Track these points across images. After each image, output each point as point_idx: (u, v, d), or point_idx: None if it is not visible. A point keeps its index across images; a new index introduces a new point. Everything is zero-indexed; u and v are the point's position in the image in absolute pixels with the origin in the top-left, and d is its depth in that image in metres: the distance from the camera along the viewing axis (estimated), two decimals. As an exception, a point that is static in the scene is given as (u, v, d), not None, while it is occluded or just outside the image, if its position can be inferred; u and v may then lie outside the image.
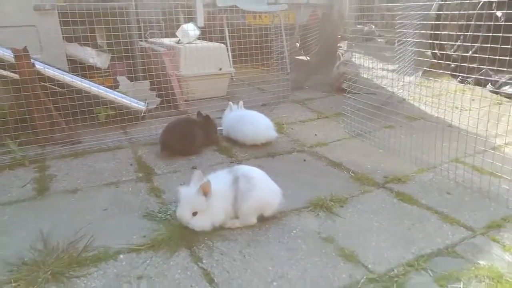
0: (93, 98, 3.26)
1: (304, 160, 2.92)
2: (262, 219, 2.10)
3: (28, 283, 1.65)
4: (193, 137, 2.98)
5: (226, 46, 4.68)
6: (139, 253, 1.86)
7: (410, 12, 3.85)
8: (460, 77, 4.60)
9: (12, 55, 2.98)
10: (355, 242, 1.95)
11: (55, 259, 1.77)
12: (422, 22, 3.84)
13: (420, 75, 4.55)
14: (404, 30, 3.76)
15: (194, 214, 1.96)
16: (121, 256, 1.84)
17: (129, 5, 3.73)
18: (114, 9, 3.38)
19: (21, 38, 3.17)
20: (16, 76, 3.05)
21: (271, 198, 2.09)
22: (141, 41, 4.10)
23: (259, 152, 3.06)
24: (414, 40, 3.93)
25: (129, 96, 3.47)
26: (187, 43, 4.49)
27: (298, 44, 6.70)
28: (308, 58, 6.19)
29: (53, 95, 3.20)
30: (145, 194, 2.42)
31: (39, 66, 3.09)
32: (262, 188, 2.04)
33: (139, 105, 3.48)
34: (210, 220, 1.98)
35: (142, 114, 3.48)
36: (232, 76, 4.88)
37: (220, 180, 2.04)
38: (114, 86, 3.63)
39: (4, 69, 3.08)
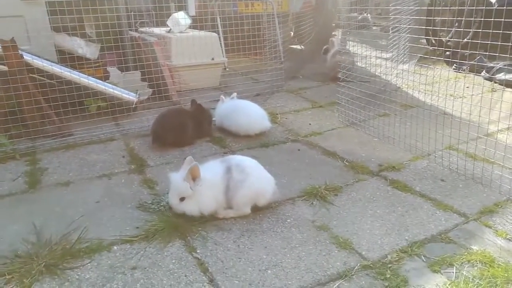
0: (83, 90, 3.21)
1: (299, 150, 2.91)
2: (256, 208, 2.10)
3: (22, 276, 1.63)
4: (184, 128, 2.95)
5: (218, 35, 4.62)
6: (133, 244, 1.85)
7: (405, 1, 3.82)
8: (455, 64, 4.59)
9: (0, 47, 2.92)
10: (349, 230, 1.95)
11: (48, 252, 1.76)
12: (416, 7, 3.82)
13: (415, 63, 4.54)
14: (399, 17, 3.74)
15: (182, 199, 1.96)
16: (115, 247, 1.83)
17: (118, -6, 3.67)
18: (103, -2, 3.31)
19: (8, 29, 3.10)
20: (4, 68, 3.00)
21: (265, 187, 2.08)
22: (131, 30, 4.03)
23: (253, 142, 3.04)
24: (409, 26, 3.90)
25: (120, 87, 3.42)
26: (178, 32, 4.43)
27: (292, 33, 6.64)
28: (302, 47, 6.14)
29: (42, 86, 3.14)
30: (138, 186, 2.40)
31: (27, 57, 3.03)
32: (255, 177, 2.03)
33: (130, 96, 3.44)
34: (197, 206, 1.98)
35: (133, 105, 3.44)
36: (225, 66, 4.83)
37: (212, 169, 2.03)
38: (105, 77, 3.58)
39: (-8, 61, 3.02)
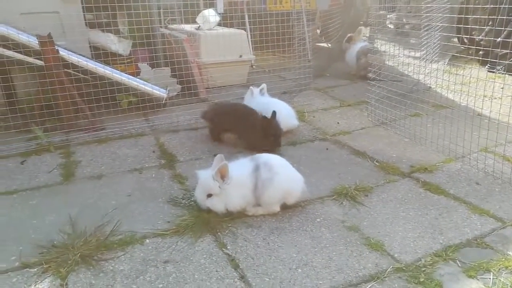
0: (115, 85, 3.28)
1: (327, 149, 2.88)
2: (285, 206, 2.09)
3: (58, 265, 1.68)
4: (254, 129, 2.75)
5: (246, 32, 4.63)
6: (164, 238, 1.88)
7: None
8: (488, 64, 4.44)
9: (37, 42, 3.02)
10: (381, 232, 1.92)
11: (83, 243, 1.81)
12: (449, 5, 3.70)
13: (446, 62, 4.42)
14: (431, 15, 3.64)
15: (209, 196, 1.99)
16: (147, 240, 1.86)
17: (151, -9, 3.72)
18: (136, -5, 3.37)
19: (45, 25, 3.19)
20: (41, 63, 3.10)
21: (293, 186, 2.07)
22: (162, 27, 4.09)
23: (281, 140, 3.03)
24: (441, 25, 3.79)
25: (150, 83, 3.48)
26: (207, 29, 4.46)
27: (319, 31, 6.58)
28: (329, 45, 6.07)
29: (76, 81, 3.23)
30: (169, 181, 2.44)
31: (63, 52, 3.12)
32: (284, 176, 2.03)
33: (160, 92, 3.49)
34: (224, 203, 1.99)
35: (163, 101, 3.49)
36: (252, 64, 4.83)
37: (240, 167, 2.04)
38: (136, 73, 3.64)
39: (30, 56, 3.12)
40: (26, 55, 3.12)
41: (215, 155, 1.99)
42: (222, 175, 1.97)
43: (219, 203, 2.00)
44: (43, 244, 1.82)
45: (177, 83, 3.85)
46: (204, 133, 3.14)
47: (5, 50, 3.05)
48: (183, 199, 2.20)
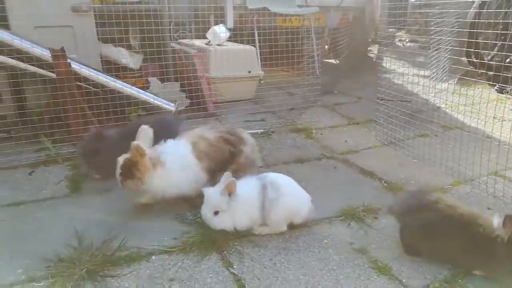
0: (125, 99, 3.31)
1: (335, 168, 2.88)
2: (292, 226, 2.08)
3: (64, 280, 1.68)
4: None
5: (256, 48, 4.67)
6: (171, 255, 1.87)
7: (445, 19, 3.74)
8: (497, 85, 4.43)
9: (50, 55, 3.06)
10: (389, 255, 1.89)
11: (90, 257, 1.80)
12: (459, 23, 3.72)
13: (455, 82, 4.42)
14: (438, 37, 3.66)
15: (216, 213, 1.98)
16: (154, 257, 1.85)
17: (163, 7, 3.78)
18: (149, 11, 3.42)
19: (58, 38, 3.25)
20: (53, 75, 3.14)
21: (300, 205, 2.06)
22: (172, 42, 4.14)
23: (288, 157, 3.03)
24: (449, 46, 3.81)
25: (160, 97, 3.51)
26: (217, 44, 4.51)
27: (327, 47, 6.63)
28: (337, 61, 6.11)
29: (87, 94, 3.26)
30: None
31: (75, 66, 3.16)
32: (290, 196, 2.02)
33: (169, 106, 3.51)
34: (232, 221, 1.99)
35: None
36: (260, 79, 4.86)
37: (247, 186, 2.04)
38: (145, 87, 3.68)
39: (43, 68, 3.17)
40: (38, 68, 3.17)
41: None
42: (230, 191, 1.96)
43: (226, 220, 1.99)
44: (50, 258, 1.82)
45: (186, 98, 3.88)
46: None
47: (19, 62, 3.09)
48: (190, 216, 2.19)
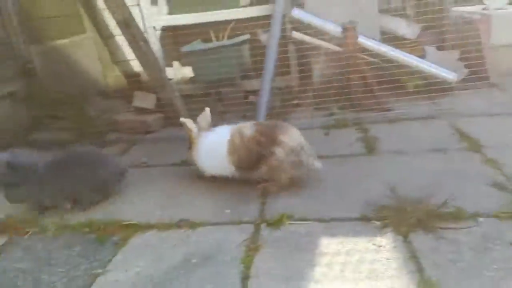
0: (402, 68, 3.34)
1: None
2: None
3: (396, 223, 1.85)
4: None
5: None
6: (501, 220, 1.80)
7: None
8: None
9: (340, 30, 3.36)
10: None
11: (413, 208, 1.92)
12: None
13: None
14: None
15: None
16: (481, 219, 1.82)
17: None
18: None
19: (343, 12, 3.51)
20: (339, 48, 3.46)
21: None
22: (453, 10, 3.90)
23: None
24: None
25: (439, 66, 3.38)
26: (496, 9, 3.98)
27: None
28: None
29: (368, 65, 3.45)
30: (480, 165, 2.32)
31: (361, 39, 3.38)
32: None
33: (449, 76, 3.34)
34: None
35: (452, 85, 3.34)
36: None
37: None
38: (421, 56, 3.61)
39: (329, 42, 3.53)
40: (326, 42, 3.55)
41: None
42: None
43: None
44: (372, 203, 2.03)
45: (465, 67, 3.61)
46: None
47: (313, 38, 3.54)
48: (510, 185, 2.05)
